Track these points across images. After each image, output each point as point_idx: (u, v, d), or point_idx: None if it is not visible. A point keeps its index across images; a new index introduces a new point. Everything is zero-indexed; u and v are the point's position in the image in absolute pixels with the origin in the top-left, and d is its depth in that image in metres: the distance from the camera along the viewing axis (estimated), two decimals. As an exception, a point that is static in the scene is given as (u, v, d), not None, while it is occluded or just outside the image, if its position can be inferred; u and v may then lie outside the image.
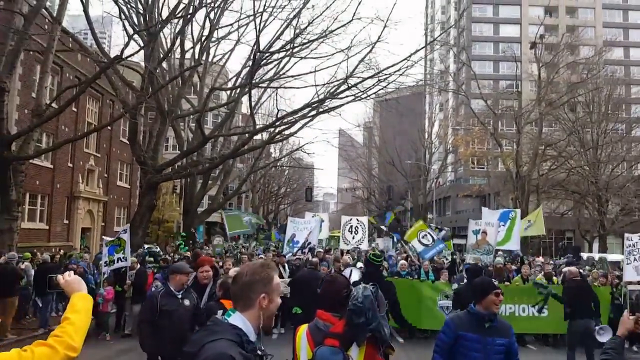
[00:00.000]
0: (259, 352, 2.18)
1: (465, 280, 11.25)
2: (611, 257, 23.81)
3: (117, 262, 12.26)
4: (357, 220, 17.57)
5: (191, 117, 25.65)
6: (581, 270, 12.66)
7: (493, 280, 10.06)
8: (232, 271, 9.25)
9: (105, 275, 12.32)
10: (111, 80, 18.26)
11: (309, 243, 14.05)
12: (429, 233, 14.91)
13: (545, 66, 35.70)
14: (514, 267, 14.94)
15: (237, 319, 2.16)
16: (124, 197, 30.71)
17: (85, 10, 16.69)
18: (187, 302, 5.55)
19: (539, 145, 32.04)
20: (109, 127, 25.84)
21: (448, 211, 62.59)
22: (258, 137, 29.60)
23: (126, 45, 14.31)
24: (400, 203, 61.14)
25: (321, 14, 17.12)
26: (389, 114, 43.20)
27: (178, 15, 16.51)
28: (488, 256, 14.24)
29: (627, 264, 11.54)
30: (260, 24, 15.84)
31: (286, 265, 12.52)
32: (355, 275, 6.44)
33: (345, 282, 3.72)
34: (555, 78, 35.73)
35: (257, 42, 15.86)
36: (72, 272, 2.47)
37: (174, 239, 26.24)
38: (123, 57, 14.49)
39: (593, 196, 31.83)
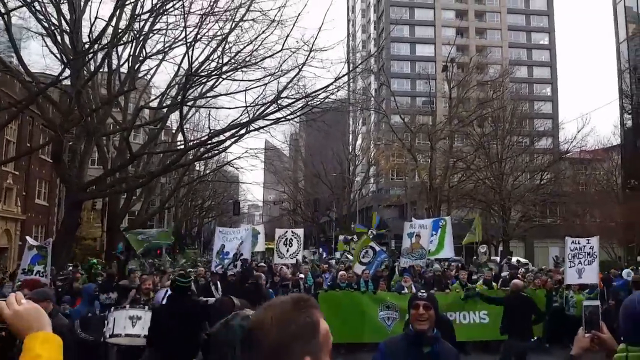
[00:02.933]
0: None
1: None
2: (514, 259, 26.45)
3: (36, 274, 11.44)
4: (292, 232, 17.08)
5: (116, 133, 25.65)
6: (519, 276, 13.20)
7: (432, 290, 10.53)
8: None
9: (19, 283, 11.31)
10: (37, 100, 18.19)
11: (241, 255, 13.23)
12: (370, 247, 14.45)
13: (457, 86, 38.71)
14: (453, 273, 14.81)
15: None
16: (42, 215, 29.90)
17: (9, 30, 16.69)
18: None
19: (450, 159, 34.77)
20: (28, 144, 25.30)
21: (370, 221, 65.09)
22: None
23: (63, 70, 14.58)
24: (326, 214, 62.83)
25: (251, 42, 18.03)
26: (315, 128, 44.69)
27: (103, 44, 16.89)
28: (422, 260, 14.26)
29: (570, 267, 11.81)
30: (192, 51, 16.58)
31: (218, 284, 11.73)
32: None
33: (230, 305, 3.88)
34: (465, 95, 38.90)
35: (190, 66, 16.59)
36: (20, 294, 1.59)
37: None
38: (50, 78, 14.73)
39: (497, 205, 34.84)
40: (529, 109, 55.69)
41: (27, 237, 12.84)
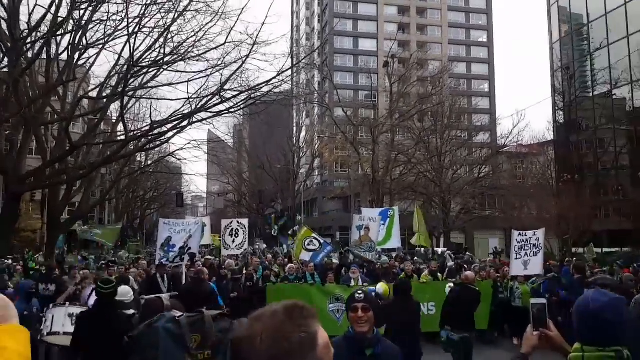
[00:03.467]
0: None
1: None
2: (440, 250, 27.54)
3: None
4: (238, 222, 16.67)
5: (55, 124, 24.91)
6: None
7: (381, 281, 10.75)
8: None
9: None
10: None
11: (189, 248, 12.77)
12: (314, 237, 14.38)
13: (397, 81, 39.85)
14: (397, 264, 14.97)
15: None
16: (-25, 207, 28.64)
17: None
18: None
19: (392, 152, 35.87)
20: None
21: (315, 212, 65.98)
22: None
23: (2, 59, 14.16)
24: (271, 206, 63.08)
25: (195, 34, 18.00)
26: (259, 120, 44.74)
27: (43, 32, 16.47)
28: (371, 253, 14.16)
29: (516, 259, 12.10)
30: (134, 40, 16.41)
31: (165, 276, 11.44)
32: None
33: (158, 306, 3.79)
34: (406, 90, 40.13)
35: (132, 56, 16.44)
36: None
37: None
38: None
39: (438, 197, 36.28)
40: (467, 105, 58.08)
41: None
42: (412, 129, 38.51)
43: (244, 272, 13.17)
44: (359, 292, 3.67)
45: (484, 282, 12.27)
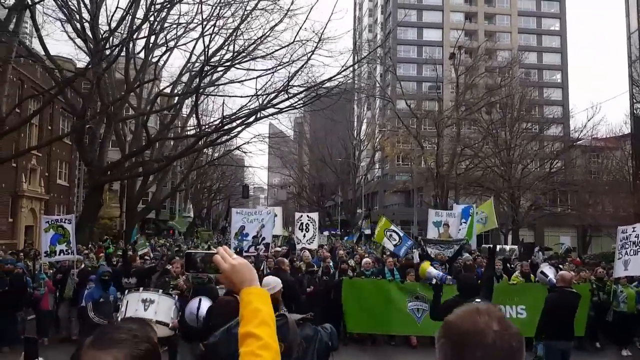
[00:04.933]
0: None
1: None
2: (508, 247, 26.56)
3: (60, 254, 11.38)
4: (308, 217, 16.17)
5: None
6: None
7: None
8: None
9: (41, 264, 11.35)
10: (58, 83, 18.88)
11: (263, 238, 12.51)
12: (393, 231, 13.77)
13: (465, 72, 38.86)
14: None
15: None
16: (63, 195, 31.04)
17: (34, 18, 17.31)
18: None
19: (458, 146, 35.13)
20: (49, 127, 26.15)
21: (376, 206, 65.85)
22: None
23: (90, 62, 15.21)
24: (331, 198, 63.56)
25: (267, 35, 18.57)
26: (320, 113, 45.13)
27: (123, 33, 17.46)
28: (449, 251, 12.95)
29: (618, 258, 10.88)
30: (208, 41, 17.19)
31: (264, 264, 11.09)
32: None
33: (234, 308, 3.11)
34: (473, 82, 39.07)
35: (206, 55, 17.22)
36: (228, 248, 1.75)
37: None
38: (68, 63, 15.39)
39: (506, 193, 35.16)
40: (538, 96, 55.74)
41: (42, 217, 12.54)
42: (479, 121, 37.47)
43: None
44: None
45: (582, 284, 10.95)
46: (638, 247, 10.48)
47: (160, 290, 6.95)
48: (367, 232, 18.28)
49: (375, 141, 54.89)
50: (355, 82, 36.97)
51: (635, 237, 10.61)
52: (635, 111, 40.75)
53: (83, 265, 11.59)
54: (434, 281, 10.23)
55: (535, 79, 63.60)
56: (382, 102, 56.44)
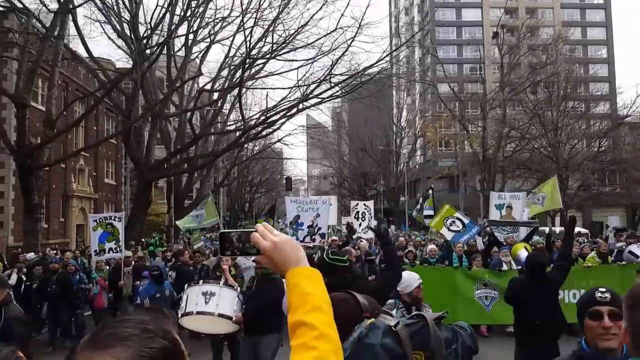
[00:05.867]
0: None
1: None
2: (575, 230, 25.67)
3: (109, 252, 11.45)
4: (365, 205, 15.78)
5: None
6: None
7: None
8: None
9: (95, 261, 11.54)
10: (104, 85, 19.19)
11: (319, 228, 12.23)
12: (457, 218, 12.88)
13: (509, 52, 37.67)
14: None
15: None
16: (111, 194, 31.80)
17: (76, 22, 17.57)
18: None
19: (504, 128, 34.14)
20: (94, 127, 26.73)
21: (418, 193, 64.94)
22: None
23: (136, 63, 15.35)
24: (373, 187, 63.08)
25: (306, 23, 18.31)
26: (359, 100, 44.68)
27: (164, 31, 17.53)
28: (514, 234, 12.28)
29: None
30: (250, 36, 17.06)
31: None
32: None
33: (354, 309, 2.23)
34: (517, 61, 37.84)
35: (248, 49, 17.11)
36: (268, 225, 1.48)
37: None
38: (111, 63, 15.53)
39: (555, 174, 34.08)
40: (583, 73, 53.67)
41: (90, 216, 12.54)
42: (525, 102, 36.29)
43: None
44: (602, 290, 2.56)
45: None
46: None
47: (222, 282, 6.55)
48: (429, 212, 17.08)
49: (416, 127, 54.02)
50: (394, 67, 36.36)
51: None
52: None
53: (133, 263, 11.53)
54: (504, 267, 10.14)
55: (580, 55, 61.22)
56: (422, 87, 55.42)
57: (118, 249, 11.37)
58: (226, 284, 6.56)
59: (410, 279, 4.68)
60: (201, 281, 6.68)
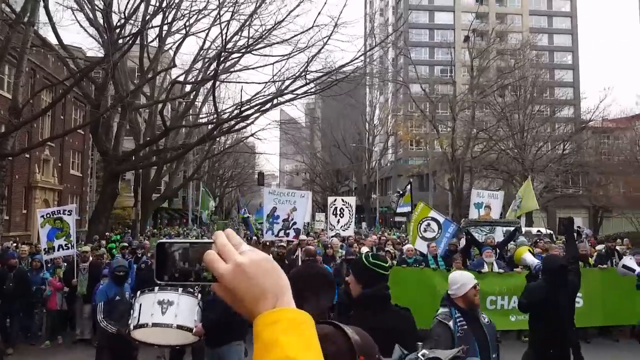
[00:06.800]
0: None
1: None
2: (535, 229, 26.47)
3: (59, 249, 10.52)
4: (343, 201, 15.04)
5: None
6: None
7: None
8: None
9: (45, 260, 10.48)
10: (74, 74, 18.80)
11: (294, 223, 11.67)
12: (432, 218, 11.84)
13: (478, 55, 38.50)
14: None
15: None
16: (76, 186, 31.09)
17: (47, 8, 17.15)
18: None
19: (472, 129, 34.89)
20: (62, 117, 26.13)
21: (389, 190, 65.66)
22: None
23: (107, 53, 15.10)
24: (345, 184, 63.47)
25: (283, 20, 18.30)
26: (332, 97, 44.84)
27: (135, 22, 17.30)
28: (492, 234, 11.86)
29: None
30: (226, 29, 16.99)
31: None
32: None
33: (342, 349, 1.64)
34: (486, 65, 38.74)
35: (224, 41, 17.03)
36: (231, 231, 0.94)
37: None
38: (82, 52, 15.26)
39: (520, 175, 35.06)
40: (549, 78, 55.19)
41: (38, 212, 11.24)
42: (493, 104, 37.22)
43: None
44: None
45: None
46: None
47: (180, 289, 5.66)
48: (406, 209, 16.45)
49: (388, 126, 54.61)
50: (368, 66, 36.67)
51: None
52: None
53: (91, 259, 10.60)
54: (485, 268, 9.63)
55: (547, 61, 62.89)
56: (395, 86, 56.05)
57: (69, 246, 10.47)
58: (185, 290, 5.75)
59: (463, 278, 4.09)
60: (157, 288, 5.70)
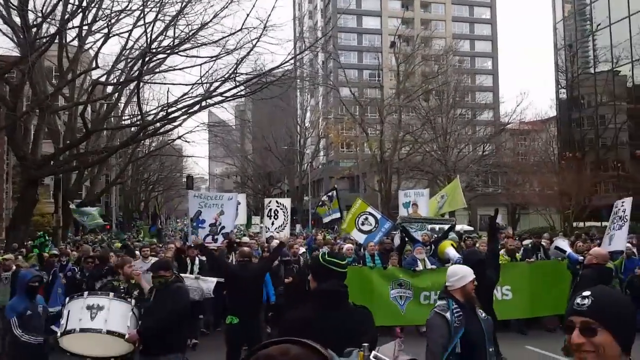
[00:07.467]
0: None
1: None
2: (459, 227, 27.81)
3: None
4: (277, 202, 15.08)
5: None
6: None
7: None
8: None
9: None
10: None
11: (222, 227, 11.33)
12: (369, 213, 12.30)
13: (404, 61, 39.86)
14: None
15: None
16: (-11, 192, 29.11)
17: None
18: None
19: (399, 132, 36.12)
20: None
21: (321, 192, 66.22)
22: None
23: (25, 53, 14.32)
24: (277, 186, 63.40)
25: (210, 21, 18.03)
26: (263, 100, 44.66)
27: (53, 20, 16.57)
28: (422, 232, 11.94)
29: (606, 234, 10.46)
30: (151, 29, 16.55)
31: (196, 259, 10.04)
32: None
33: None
34: (412, 70, 40.21)
35: (148, 42, 16.60)
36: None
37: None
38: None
39: (443, 176, 36.64)
40: (470, 83, 57.94)
41: None
42: (419, 108, 38.71)
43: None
44: (584, 294, 1.73)
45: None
46: (623, 221, 9.97)
47: (112, 294, 5.54)
48: (335, 215, 16.69)
49: (320, 128, 55.19)
50: (298, 69, 36.89)
51: (623, 211, 10.12)
52: (559, 95, 43.69)
53: (14, 267, 9.65)
54: (419, 266, 9.91)
55: (468, 66, 65.89)
56: (325, 89, 56.75)
57: None
58: (118, 295, 5.58)
59: (462, 271, 4.13)
60: (86, 293, 5.65)
